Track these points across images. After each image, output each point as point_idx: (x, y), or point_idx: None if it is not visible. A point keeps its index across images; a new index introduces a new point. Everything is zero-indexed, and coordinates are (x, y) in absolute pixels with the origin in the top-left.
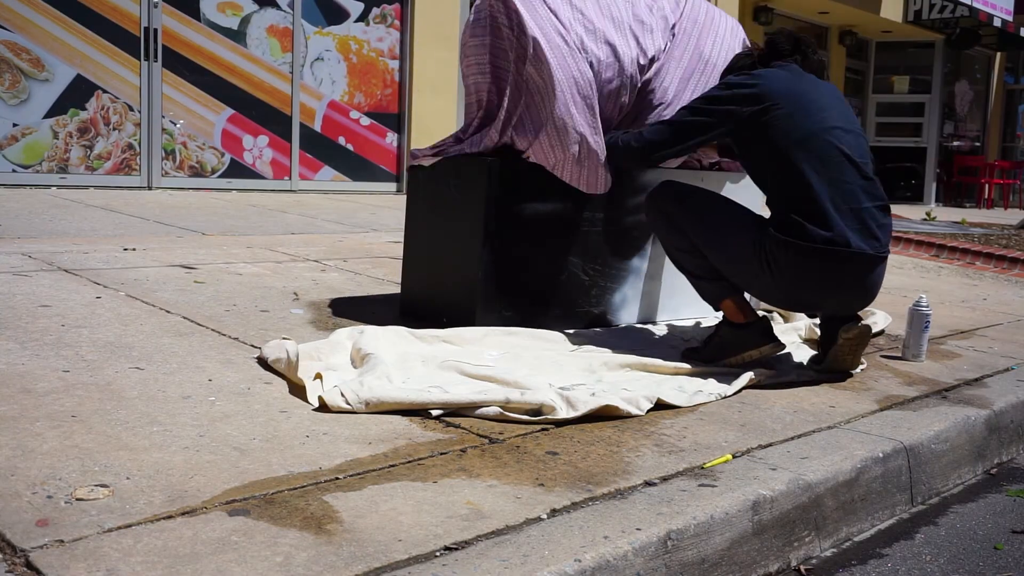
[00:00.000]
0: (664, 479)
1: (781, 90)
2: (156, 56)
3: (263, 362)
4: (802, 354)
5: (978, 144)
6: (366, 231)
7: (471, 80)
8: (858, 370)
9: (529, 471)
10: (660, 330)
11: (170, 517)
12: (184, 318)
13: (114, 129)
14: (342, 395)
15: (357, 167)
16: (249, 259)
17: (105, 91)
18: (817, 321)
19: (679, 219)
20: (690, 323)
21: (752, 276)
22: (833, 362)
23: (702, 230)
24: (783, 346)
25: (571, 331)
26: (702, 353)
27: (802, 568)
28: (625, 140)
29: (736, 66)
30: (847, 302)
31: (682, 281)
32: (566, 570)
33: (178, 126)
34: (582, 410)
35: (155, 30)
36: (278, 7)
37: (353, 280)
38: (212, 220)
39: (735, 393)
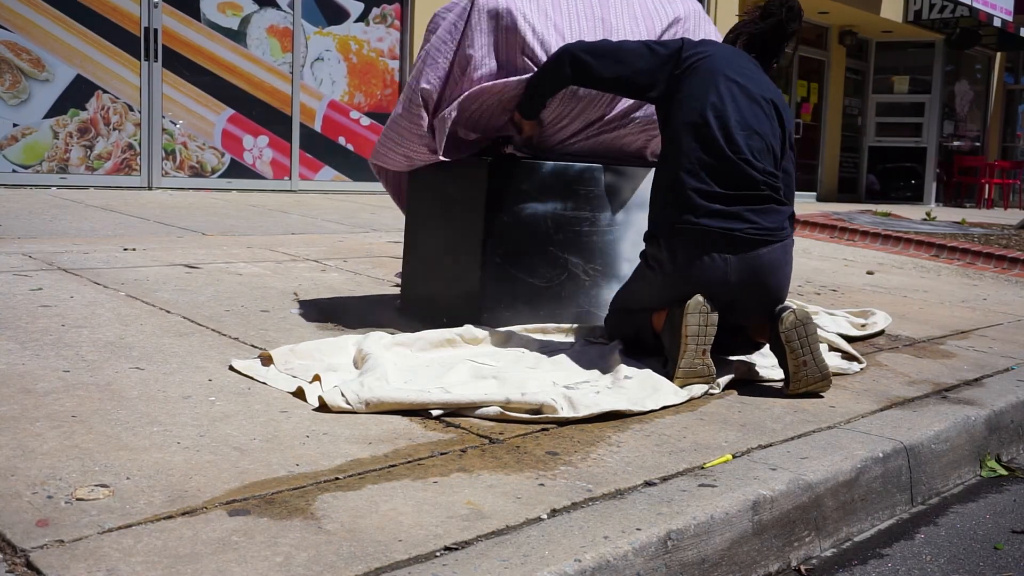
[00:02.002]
0: (664, 479)
1: (716, 56)
2: (156, 56)
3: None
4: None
5: (978, 144)
6: (366, 231)
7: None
8: (829, 390)
9: (529, 471)
10: None
11: (170, 517)
12: (184, 318)
13: (114, 129)
14: (342, 395)
15: (357, 167)
16: (249, 259)
17: (105, 91)
18: (819, 319)
19: (634, 320)
20: None
21: (648, 288)
22: (797, 377)
23: (626, 299)
24: (708, 303)
25: (572, 327)
26: (666, 370)
27: (802, 568)
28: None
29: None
30: (737, 297)
31: None
32: (566, 570)
33: (178, 126)
34: (583, 412)
35: (155, 30)
36: (278, 7)
37: (353, 280)
38: (212, 220)
39: (721, 391)
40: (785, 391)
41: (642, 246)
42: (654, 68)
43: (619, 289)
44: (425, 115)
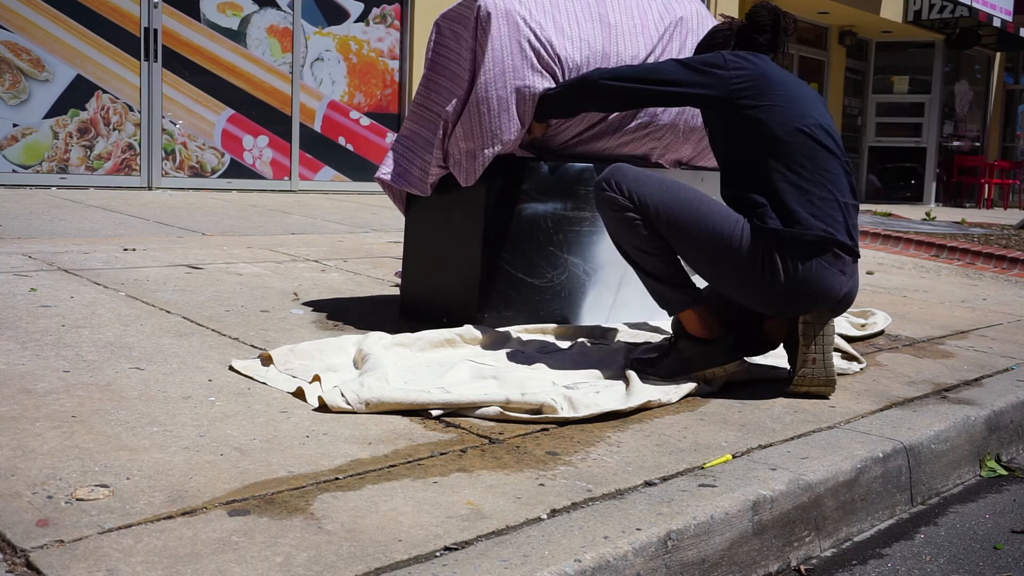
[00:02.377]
0: (664, 479)
1: (776, 80)
2: (156, 56)
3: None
4: None
5: (978, 144)
6: (366, 231)
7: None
8: (834, 393)
9: (529, 471)
10: (660, 330)
11: (170, 517)
12: (184, 318)
13: (114, 129)
14: (342, 395)
15: (357, 167)
16: (249, 259)
17: (105, 91)
18: None
19: (648, 214)
20: None
21: (751, 285)
22: (802, 373)
23: (678, 222)
24: (747, 364)
25: (572, 327)
26: (659, 368)
27: (802, 568)
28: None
29: (714, 41)
30: (828, 309)
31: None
32: (566, 570)
33: (178, 126)
34: (583, 412)
35: (155, 30)
36: (278, 7)
37: (353, 280)
38: (212, 220)
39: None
40: (785, 389)
41: None
42: (702, 83)
43: (699, 243)
44: (441, 137)
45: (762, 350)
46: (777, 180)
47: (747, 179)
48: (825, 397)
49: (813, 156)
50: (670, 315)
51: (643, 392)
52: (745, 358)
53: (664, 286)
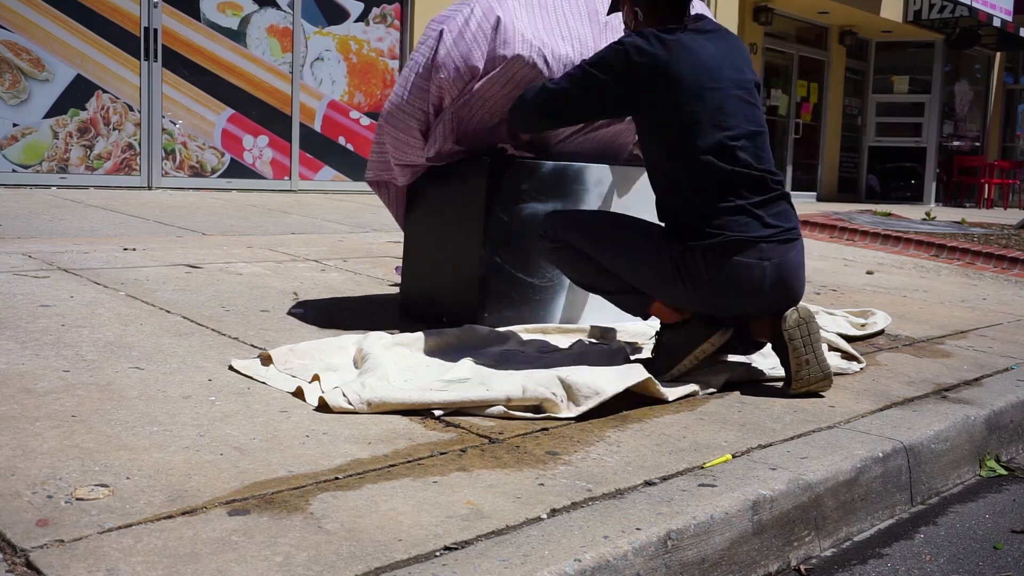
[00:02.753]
0: (664, 479)
1: (683, 64)
2: (156, 56)
3: (265, 359)
4: None
5: (978, 144)
6: (366, 231)
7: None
8: (829, 390)
9: (529, 471)
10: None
11: (170, 517)
12: (184, 318)
13: (114, 129)
14: (344, 395)
15: (357, 167)
16: (249, 259)
17: (105, 91)
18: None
19: (580, 245)
20: None
21: (671, 290)
22: (799, 376)
23: (606, 251)
24: (731, 329)
25: (573, 327)
26: (656, 365)
27: (802, 568)
28: (522, 97)
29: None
30: (766, 301)
31: None
32: (566, 570)
33: (178, 126)
34: (584, 407)
35: (155, 30)
36: (278, 7)
37: (353, 280)
38: (212, 220)
39: (717, 391)
40: (786, 391)
41: None
42: (610, 95)
43: (619, 257)
44: (418, 133)
45: (749, 349)
46: (691, 186)
47: (661, 179)
48: (822, 395)
49: (719, 166)
50: (642, 318)
51: (639, 370)
52: (742, 358)
53: (623, 295)
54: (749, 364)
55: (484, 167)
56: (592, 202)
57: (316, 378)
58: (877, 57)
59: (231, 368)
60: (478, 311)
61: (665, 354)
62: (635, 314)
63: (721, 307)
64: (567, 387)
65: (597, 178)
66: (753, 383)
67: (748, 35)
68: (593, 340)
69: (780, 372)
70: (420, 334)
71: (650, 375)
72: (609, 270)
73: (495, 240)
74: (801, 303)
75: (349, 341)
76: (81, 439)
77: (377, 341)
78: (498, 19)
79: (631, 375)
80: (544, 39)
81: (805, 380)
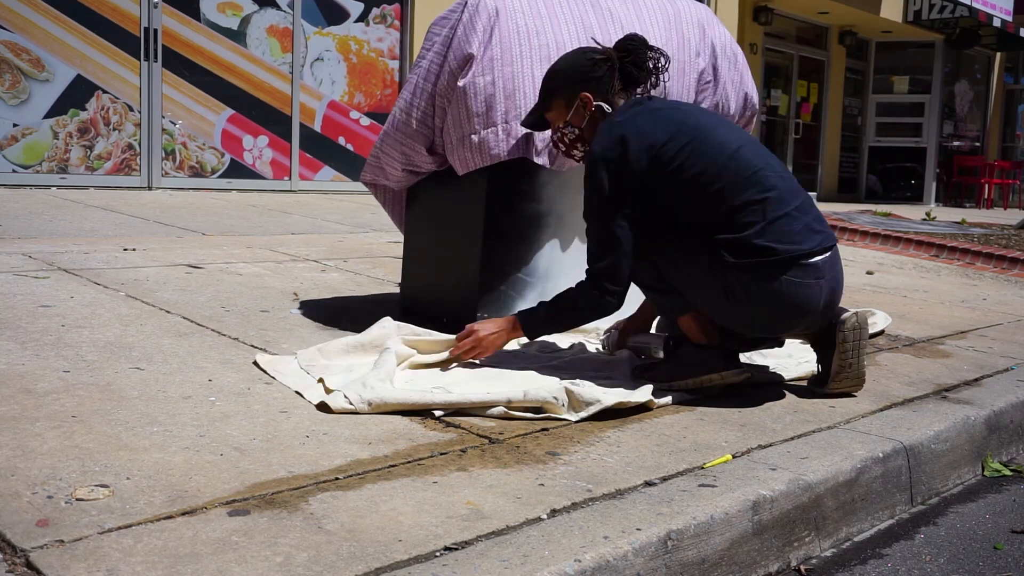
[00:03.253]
0: (664, 479)
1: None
2: (156, 56)
3: (262, 364)
4: (806, 355)
5: (978, 144)
6: (366, 231)
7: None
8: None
9: (529, 471)
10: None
11: (170, 517)
12: (184, 318)
13: (114, 129)
14: (345, 397)
15: (357, 167)
16: (249, 259)
17: (105, 91)
18: None
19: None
20: None
21: (717, 305)
22: (840, 377)
23: (660, 250)
24: (748, 374)
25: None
26: (656, 374)
27: (802, 568)
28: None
29: (593, 74)
30: (822, 312)
31: None
32: (566, 570)
33: (178, 126)
34: (583, 413)
35: (155, 30)
36: (278, 7)
37: (353, 280)
38: (212, 220)
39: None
40: (818, 390)
41: None
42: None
43: (669, 261)
44: (425, 141)
45: (771, 345)
46: (724, 231)
47: (698, 231)
48: (853, 394)
49: (747, 184)
50: (669, 321)
51: (645, 390)
52: (753, 353)
53: (660, 294)
54: (767, 367)
55: (484, 168)
56: None
57: (320, 380)
58: (877, 57)
59: (255, 364)
60: (478, 311)
61: (673, 366)
62: (666, 318)
63: (773, 329)
64: (570, 395)
65: None
66: (752, 384)
67: (748, 35)
68: (592, 340)
69: (796, 372)
70: (428, 335)
71: (652, 396)
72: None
73: (495, 240)
74: (860, 310)
75: (351, 340)
76: (81, 439)
77: (396, 340)
78: (496, 11)
79: (637, 395)
80: (545, 26)
81: (843, 382)
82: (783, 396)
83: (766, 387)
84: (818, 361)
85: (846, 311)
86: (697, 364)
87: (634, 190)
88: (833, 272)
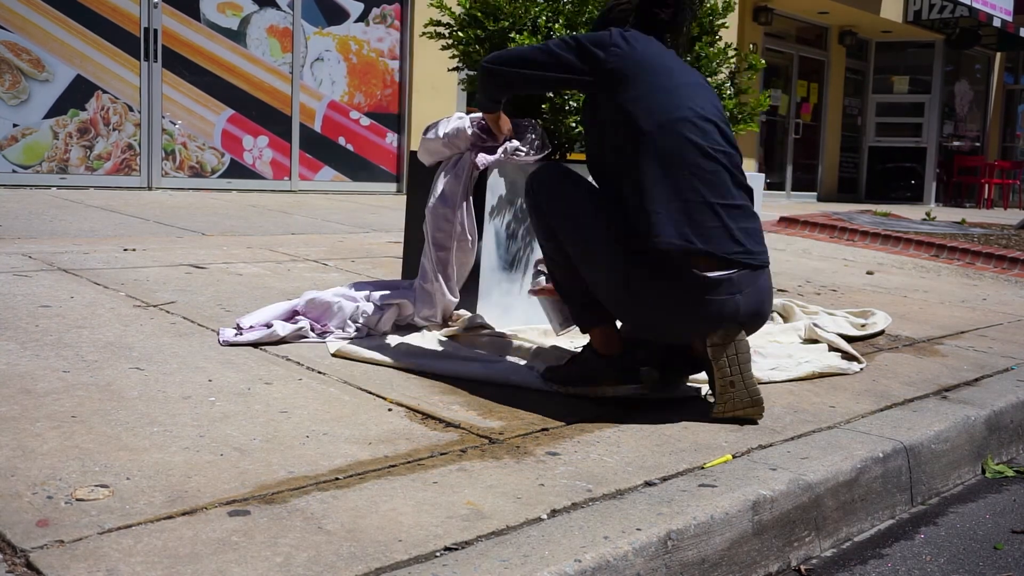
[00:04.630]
0: (664, 479)
1: (657, 67)
2: (156, 56)
3: (264, 360)
4: (806, 355)
5: (978, 144)
6: (366, 231)
7: None
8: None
9: (529, 471)
10: None
11: (170, 517)
12: (184, 318)
13: (114, 129)
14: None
15: (357, 167)
16: (249, 259)
17: (105, 91)
18: (818, 319)
19: (549, 215)
20: None
21: (614, 300)
22: (724, 398)
23: (570, 234)
24: (642, 392)
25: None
26: (556, 374)
27: (802, 568)
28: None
29: (611, 16)
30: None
31: None
32: (566, 570)
33: (178, 126)
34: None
35: (155, 30)
36: (278, 7)
37: (354, 280)
38: (212, 220)
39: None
40: (710, 414)
41: None
42: (571, 69)
43: (580, 244)
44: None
45: (686, 369)
46: (643, 176)
47: (617, 166)
48: (754, 421)
49: (682, 153)
50: (580, 329)
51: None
52: (672, 379)
53: (571, 301)
54: (657, 386)
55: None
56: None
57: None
58: (877, 57)
59: (333, 354)
60: (478, 310)
61: (573, 370)
62: (577, 323)
63: (663, 331)
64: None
65: None
66: (668, 400)
67: (748, 35)
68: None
69: (796, 372)
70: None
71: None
72: (571, 260)
73: (494, 239)
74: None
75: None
76: (81, 440)
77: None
78: None
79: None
80: None
81: (730, 404)
82: (783, 396)
83: (766, 388)
84: (709, 385)
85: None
86: (592, 372)
87: (584, 77)
88: (754, 288)
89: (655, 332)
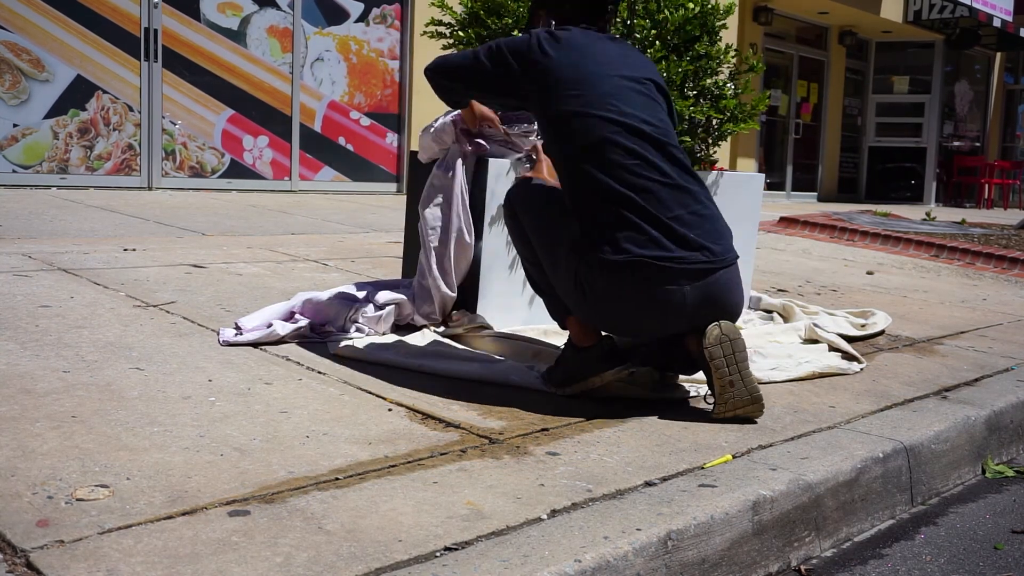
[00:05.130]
0: (664, 479)
1: (571, 70)
2: (156, 56)
3: (264, 359)
4: (806, 355)
5: (978, 144)
6: (366, 231)
7: None
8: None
9: (529, 471)
10: None
11: (170, 517)
12: (184, 318)
13: (114, 129)
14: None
15: (357, 167)
16: (249, 259)
17: (105, 91)
18: (819, 319)
19: (524, 224)
20: None
21: (573, 301)
22: (724, 398)
23: (537, 237)
24: (630, 371)
25: None
26: (553, 377)
27: (802, 568)
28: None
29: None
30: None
31: None
32: (566, 570)
33: (178, 126)
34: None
35: (155, 30)
36: (278, 7)
37: (354, 280)
38: (212, 220)
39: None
40: (711, 415)
41: None
42: (503, 81)
43: (543, 248)
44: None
45: (685, 370)
46: (575, 195)
47: (564, 176)
48: (754, 420)
49: (610, 172)
50: (559, 325)
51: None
52: (668, 376)
53: (547, 296)
54: (654, 385)
55: (483, 164)
56: None
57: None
58: (877, 57)
59: (335, 356)
60: (478, 310)
61: (563, 370)
62: (554, 319)
63: (620, 329)
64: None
65: None
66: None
67: (748, 35)
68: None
69: (796, 372)
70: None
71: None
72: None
73: (494, 240)
74: (724, 321)
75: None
76: (81, 440)
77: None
78: None
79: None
80: None
81: (730, 403)
82: (783, 396)
83: (766, 388)
84: (708, 385)
85: (712, 323)
86: (577, 366)
87: (523, 61)
88: (710, 279)
89: (616, 329)
